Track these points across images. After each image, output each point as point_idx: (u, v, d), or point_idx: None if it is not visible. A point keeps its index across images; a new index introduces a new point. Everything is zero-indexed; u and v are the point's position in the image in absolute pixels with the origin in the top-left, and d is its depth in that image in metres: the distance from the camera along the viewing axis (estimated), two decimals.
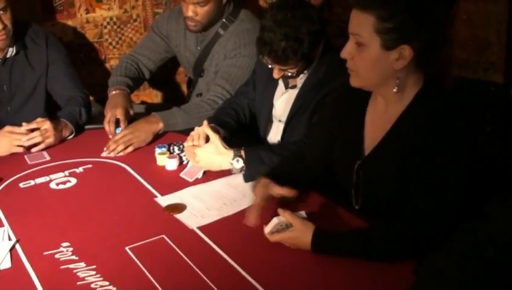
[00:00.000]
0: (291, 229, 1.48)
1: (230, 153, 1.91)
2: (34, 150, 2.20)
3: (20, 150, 2.18)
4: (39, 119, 2.24)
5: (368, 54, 1.48)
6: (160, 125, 2.25)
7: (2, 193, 1.90)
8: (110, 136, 2.22)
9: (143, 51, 2.68)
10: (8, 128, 2.19)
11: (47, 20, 3.01)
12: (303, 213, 1.55)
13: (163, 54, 2.70)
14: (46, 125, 2.22)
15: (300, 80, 2.06)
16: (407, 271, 1.30)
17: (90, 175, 2.00)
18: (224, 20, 2.49)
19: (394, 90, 1.52)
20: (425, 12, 1.45)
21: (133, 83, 2.54)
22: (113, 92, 2.41)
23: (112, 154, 2.13)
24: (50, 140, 2.23)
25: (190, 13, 2.38)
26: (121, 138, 2.16)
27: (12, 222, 1.69)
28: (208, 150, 1.93)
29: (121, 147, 2.14)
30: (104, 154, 2.15)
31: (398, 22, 1.43)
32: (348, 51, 1.52)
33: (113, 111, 2.28)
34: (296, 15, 1.90)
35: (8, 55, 2.40)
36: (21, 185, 1.95)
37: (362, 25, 1.47)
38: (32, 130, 2.20)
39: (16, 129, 2.19)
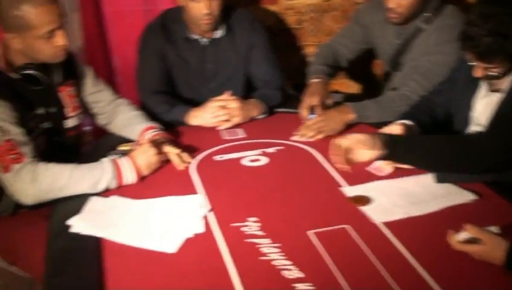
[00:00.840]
0: (481, 243, 1.39)
1: None
2: (221, 128, 2.33)
3: (224, 123, 2.33)
4: (226, 97, 2.36)
5: None
6: (352, 115, 2.25)
7: (200, 163, 2.04)
8: (303, 122, 2.28)
9: (342, 40, 2.70)
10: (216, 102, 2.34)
11: (251, 4, 3.15)
12: (495, 228, 1.45)
13: (361, 44, 2.69)
14: (233, 104, 2.34)
15: (506, 84, 1.93)
16: None
17: (280, 156, 2.07)
18: (427, 14, 2.40)
19: None
20: None
21: (332, 72, 2.57)
22: (313, 80, 2.46)
23: (303, 139, 2.19)
24: (236, 119, 2.34)
25: (393, 4, 2.34)
26: (313, 124, 2.21)
27: (207, 191, 1.82)
28: None
29: (311, 133, 2.19)
30: (294, 137, 2.21)
31: None
32: None
33: (310, 98, 2.34)
34: (506, 10, 1.78)
35: (216, 36, 2.56)
36: (216, 157, 2.08)
37: None
38: None
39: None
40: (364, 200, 1.72)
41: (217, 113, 2.33)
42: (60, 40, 1.91)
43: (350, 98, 2.64)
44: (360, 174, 1.87)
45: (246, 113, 2.37)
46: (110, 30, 3.17)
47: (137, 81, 2.59)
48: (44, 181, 1.80)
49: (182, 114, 2.37)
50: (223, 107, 2.33)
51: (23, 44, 1.90)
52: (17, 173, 1.80)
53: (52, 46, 1.92)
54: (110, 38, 3.18)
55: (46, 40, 1.90)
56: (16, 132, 1.86)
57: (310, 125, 2.21)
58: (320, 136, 2.18)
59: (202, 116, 2.34)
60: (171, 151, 2.01)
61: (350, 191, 1.78)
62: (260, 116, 2.43)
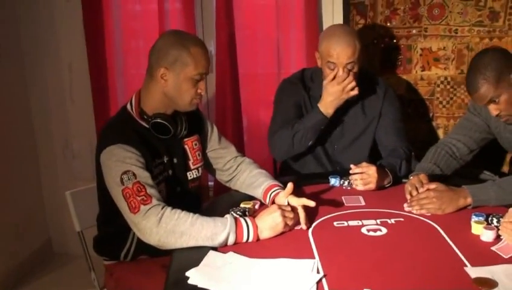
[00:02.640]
0: None
1: None
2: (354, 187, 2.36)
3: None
4: (365, 164, 2.34)
5: None
6: (469, 200, 2.13)
7: (317, 227, 2.03)
8: (414, 193, 2.20)
9: (461, 131, 2.58)
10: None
11: (385, 73, 3.16)
12: None
13: (483, 134, 2.55)
14: (371, 171, 2.32)
15: None
16: None
17: (401, 228, 2.00)
18: None
19: None
20: None
21: (440, 170, 2.45)
22: (413, 175, 2.34)
23: (407, 209, 2.15)
24: (370, 185, 2.33)
25: (494, 112, 2.25)
26: (423, 198, 2.14)
27: (322, 257, 1.79)
28: None
29: (416, 207, 2.13)
30: (405, 206, 2.18)
31: None
32: None
33: (411, 184, 2.25)
34: None
35: (348, 100, 2.57)
36: (335, 223, 2.06)
37: None
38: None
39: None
40: (490, 283, 1.60)
41: (353, 177, 2.35)
42: (202, 87, 2.10)
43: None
44: (485, 254, 1.77)
45: (379, 182, 2.35)
46: (242, 90, 3.31)
47: (270, 126, 2.66)
48: (168, 223, 1.86)
49: (315, 110, 2.47)
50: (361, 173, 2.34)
51: (172, 81, 2.06)
52: (145, 214, 1.89)
53: (195, 92, 2.09)
54: (242, 98, 3.32)
55: (192, 84, 2.08)
56: (144, 176, 1.97)
57: (421, 198, 2.15)
58: (424, 212, 2.12)
59: (333, 92, 2.43)
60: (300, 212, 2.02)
61: (475, 272, 1.67)
62: (387, 186, 2.40)
